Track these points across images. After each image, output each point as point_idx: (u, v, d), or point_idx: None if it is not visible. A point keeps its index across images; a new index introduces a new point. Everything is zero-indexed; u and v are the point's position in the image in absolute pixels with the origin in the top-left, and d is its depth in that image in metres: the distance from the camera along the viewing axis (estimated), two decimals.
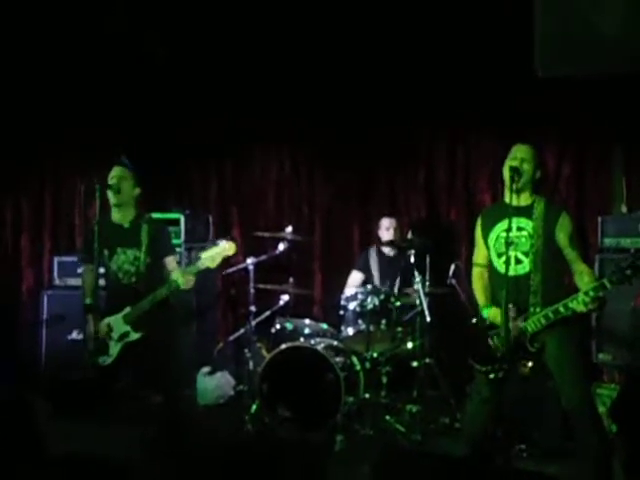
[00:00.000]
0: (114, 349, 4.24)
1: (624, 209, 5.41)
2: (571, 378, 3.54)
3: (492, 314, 3.66)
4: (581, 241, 3.76)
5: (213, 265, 4.08)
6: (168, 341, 4.31)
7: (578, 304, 3.40)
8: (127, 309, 4.21)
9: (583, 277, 3.53)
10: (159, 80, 6.02)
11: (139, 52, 5.59)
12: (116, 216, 4.32)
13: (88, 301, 4.34)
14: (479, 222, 3.86)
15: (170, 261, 4.31)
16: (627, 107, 5.27)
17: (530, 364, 3.57)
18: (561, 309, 3.46)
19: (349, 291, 5.25)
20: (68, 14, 5.26)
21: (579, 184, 5.62)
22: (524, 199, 3.69)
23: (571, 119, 5.54)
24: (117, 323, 4.24)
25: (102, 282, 4.43)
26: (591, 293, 3.36)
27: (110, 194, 4.23)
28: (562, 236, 3.61)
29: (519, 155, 3.66)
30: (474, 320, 3.81)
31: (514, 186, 3.60)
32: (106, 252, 4.26)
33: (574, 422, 3.60)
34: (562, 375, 3.56)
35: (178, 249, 5.67)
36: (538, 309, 3.54)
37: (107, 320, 4.26)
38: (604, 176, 5.55)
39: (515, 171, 3.59)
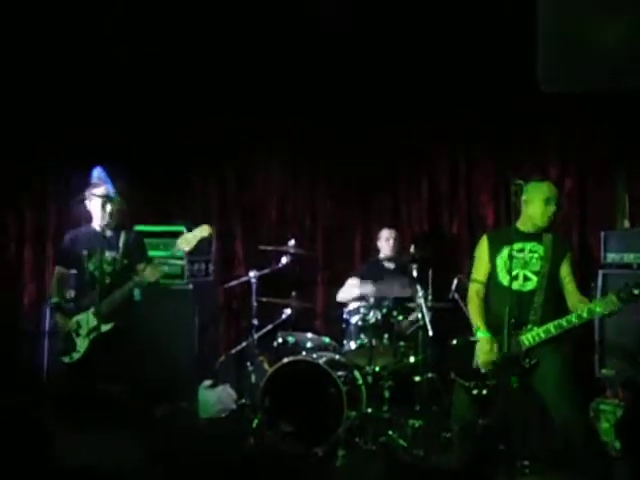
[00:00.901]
0: (82, 345, 4.38)
1: (627, 224, 5.41)
2: (565, 396, 3.61)
3: (483, 339, 3.73)
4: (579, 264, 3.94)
5: (188, 248, 4.23)
6: (133, 332, 4.45)
7: (606, 305, 3.52)
8: (99, 304, 4.33)
9: (583, 302, 3.67)
10: (161, 91, 6.05)
11: (132, 57, 5.62)
12: (97, 227, 4.54)
13: (55, 300, 4.54)
14: (485, 242, 3.96)
15: (140, 267, 4.46)
16: (630, 122, 5.29)
17: (516, 379, 3.60)
18: (564, 323, 3.57)
19: (352, 305, 5.24)
20: (70, 15, 5.30)
21: (582, 199, 5.63)
22: (532, 228, 3.86)
23: (574, 134, 5.56)
24: (86, 319, 4.39)
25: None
26: (597, 309, 3.53)
27: (96, 212, 4.48)
28: (566, 268, 3.80)
29: (553, 194, 3.83)
30: (454, 341, 3.93)
31: (549, 220, 3.81)
32: (85, 252, 4.47)
33: (571, 440, 3.63)
34: (556, 394, 3.62)
35: (181, 261, 5.75)
36: (536, 327, 3.66)
37: (75, 318, 4.42)
38: (607, 191, 5.56)
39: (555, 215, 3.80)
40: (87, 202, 4.52)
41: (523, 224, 3.85)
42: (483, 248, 3.93)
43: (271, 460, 4.57)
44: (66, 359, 4.41)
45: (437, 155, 6.10)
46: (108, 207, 4.46)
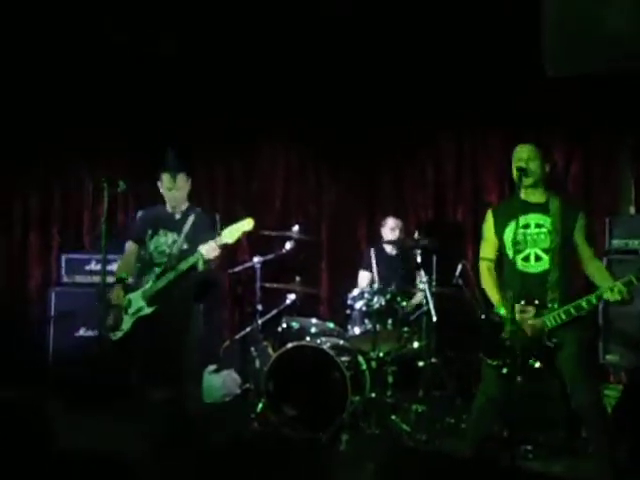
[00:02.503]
0: (127, 323, 4.40)
1: (632, 210, 5.40)
2: (583, 373, 3.57)
3: (509, 312, 3.64)
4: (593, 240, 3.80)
5: (232, 240, 4.22)
6: (179, 318, 4.39)
7: (613, 293, 3.43)
8: (147, 285, 4.38)
9: (601, 272, 3.61)
10: (165, 79, 6.04)
11: (144, 50, 5.61)
12: (170, 207, 4.54)
13: (121, 274, 4.52)
14: (490, 217, 3.85)
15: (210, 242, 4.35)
16: (636, 106, 5.25)
17: (543, 359, 3.57)
18: (584, 304, 3.51)
19: (356, 290, 5.25)
20: (73, 16, 5.30)
21: (587, 185, 5.61)
22: (538, 196, 3.72)
23: (579, 118, 5.52)
24: (136, 299, 4.41)
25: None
26: (633, 279, 3.40)
27: (169, 199, 4.49)
28: (580, 235, 3.66)
29: (524, 155, 3.67)
30: (483, 316, 3.82)
31: (523, 184, 3.63)
32: (150, 232, 4.49)
33: (584, 421, 3.62)
34: (576, 374, 3.57)
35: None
36: (556, 305, 3.58)
37: (129, 296, 4.44)
38: (612, 177, 5.54)
39: (522, 171, 3.61)
40: (159, 183, 4.51)
41: (525, 194, 3.72)
42: (489, 225, 3.84)
43: (275, 444, 4.59)
44: (112, 336, 4.41)
45: (442, 141, 6.08)
46: (173, 196, 4.47)
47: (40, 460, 2.83)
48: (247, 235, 6.41)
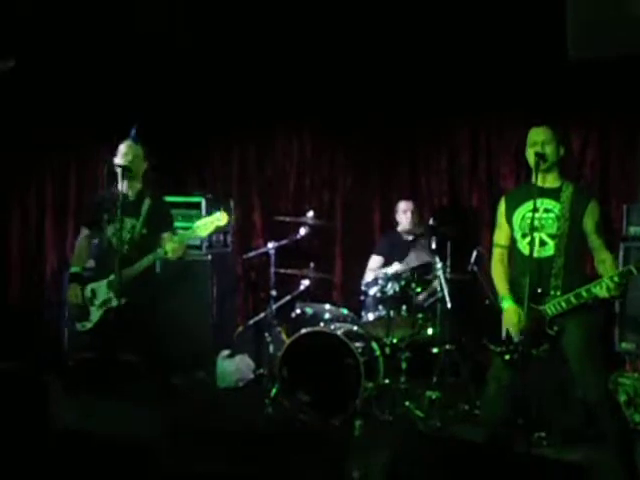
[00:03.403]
0: (95, 315, 4.31)
1: None
2: (589, 366, 3.51)
3: (509, 309, 3.62)
4: (606, 229, 3.71)
5: (204, 234, 4.18)
6: (149, 310, 4.33)
7: (601, 289, 3.38)
8: (112, 276, 4.23)
9: (605, 265, 3.51)
10: (181, 64, 6.02)
11: (161, 40, 5.60)
12: (124, 188, 4.32)
13: (74, 269, 4.43)
14: (503, 203, 3.81)
15: (166, 236, 4.31)
16: None
17: (546, 346, 3.53)
18: (583, 293, 3.44)
19: (369, 276, 5.24)
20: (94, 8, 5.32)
21: (604, 171, 5.54)
22: (552, 181, 3.65)
23: (596, 104, 5.45)
24: (101, 289, 4.31)
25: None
26: (616, 279, 3.34)
27: (119, 169, 4.29)
28: (589, 223, 3.57)
29: (539, 139, 3.61)
30: (487, 302, 3.80)
31: (540, 169, 3.56)
32: (105, 217, 4.33)
33: (593, 410, 3.58)
34: (580, 362, 3.53)
35: None
36: (558, 292, 3.52)
37: (90, 286, 4.35)
38: (630, 163, 5.46)
39: (540, 157, 3.56)
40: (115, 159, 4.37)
41: (540, 178, 3.62)
42: (501, 211, 3.79)
43: (288, 430, 4.61)
44: (79, 327, 4.36)
45: (457, 127, 6.03)
46: (135, 162, 4.32)
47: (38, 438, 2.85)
48: (261, 220, 6.48)
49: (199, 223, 4.16)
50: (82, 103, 6.36)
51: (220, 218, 4.14)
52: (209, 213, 6.02)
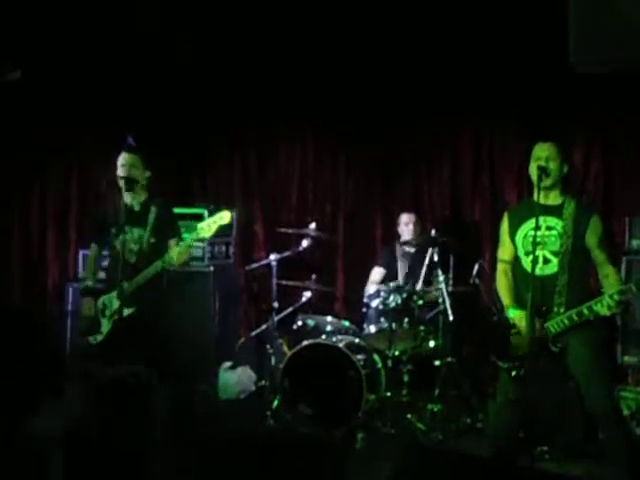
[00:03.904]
0: (105, 327, 4.33)
1: None
2: (595, 381, 3.49)
3: (517, 316, 3.61)
4: (609, 243, 3.71)
5: (208, 235, 4.13)
6: (157, 318, 4.32)
7: (602, 307, 3.38)
8: (123, 285, 4.24)
9: (609, 279, 3.51)
10: (183, 74, 6.04)
11: (162, 46, 5.62)
12: (127, 199, 4.36)
13: (87, 283, 4.48)
14: (505, 219, 3.81)
15: (172, 243, 4.31)
16: None
17: (559, 345, 3.52)
18: (585, 311, 3.43)
19: (371, 288, 5.23)
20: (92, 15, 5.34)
21: (607, 184, 5.53)
22: (554, 198, 3.66)
23: (600, 116, 5.45)
24: (111, 301, 4.32)
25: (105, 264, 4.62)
26: (616, 297, 3.34)
27: (121, 181, 4.30)
28: (593, 238, 3.57)
29: (543, 154, 3.61)
30: (495, 318, 3.79)
31: (542, 185, 3.56)
32: (113, 230, 4.34)
33: (599, 425, 3.57)
34: (586, 378, 3.51)
35: (201, 244, 5.69)
36: (562, 310, 3.51)
37: (102, 299, 4.36)
38: (633, 176, 5.46)
39: (543, 171, 3.55)
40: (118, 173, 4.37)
41: (542, 195, 3.62)
42: (504, 228, 3.79)
43: (290, 442, 4.59)
44: (91, 339, 4.37)
45: (460, 138, 6.03)
46: (134, 172, 4.32)
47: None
48: (264, 232, 6.48)
49: (202, 224, 4.14)
50: (84, 112, 6.37)
51: (222, 217, 4.11)
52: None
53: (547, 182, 3.58)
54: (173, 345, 4.43)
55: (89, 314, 4.36)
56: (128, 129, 4.67)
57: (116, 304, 4.28)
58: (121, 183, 4.31)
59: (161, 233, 4.34)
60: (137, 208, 4.38)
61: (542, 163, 3.58)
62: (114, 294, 4.30)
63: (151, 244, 4.32)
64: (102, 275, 4.65)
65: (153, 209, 4.36)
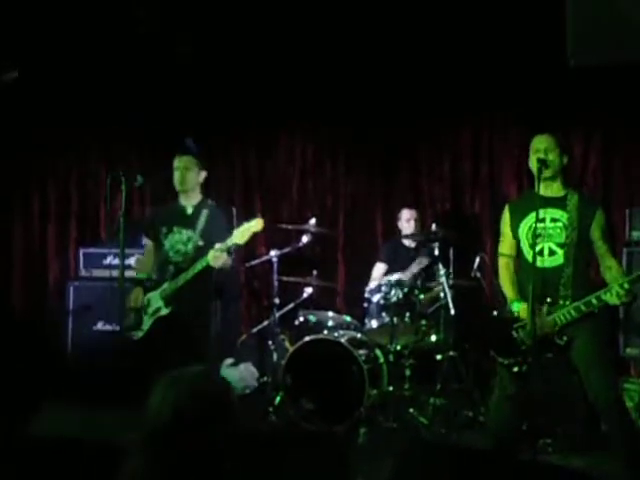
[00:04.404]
0: (146, 323, 4.40)
1: None
2: (599, 373, 3.48)
3: (522, 309, 3.59)
4: (610, 235, 3.71)
5: (242, 241, 4.19)
6: (196, 317, 4.38)
7: (612, 296, 3.37)
8: (165, 284, 4.35)
9: (612, 271, 3.51)
10: (182, 71, 6.03)
11: (161, 44, 5.61)
12: (182, 200, 4.50)
13: (139, 276, 4.56)
14: (507, 213, 3.79)
15: (217, 246, 4.31)
16: None
17: (550, 355, 3.51)
18: (593, 301, 3.42)
19: (373, 283, 5.23)
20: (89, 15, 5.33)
21: (607, 176, 5.54)
22: (556, 190, 3.64)
23: (598, 109, 5.45)
24: (155, 298, 4.40)
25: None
26: (626, 285, 3.33)
27: (175, 182, 4.43)
28: (597, 230, 3.57)
29: (542, 146, 3.60)
30: (495, 313, 3.78)
31: (542, 176, 3.55)
32: (164, 230, 4.44)
33: (602, 416, 3.56)
34: (590, 370, 3.49)
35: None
36: (568, 302, 3.50)
37: (148, 295, 4.43)
38: (632, 168, 5.46)
39: (542, 163, 3.54)
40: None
41: (543, 187, 3.60)
42: (505, 221, 3.77)
43: (292, 438, 4.59)
44: (133, 335, 4.43)
45: (459, 132, 6.03)
46: (175, 177, 4.41)
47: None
48: (264, 228, 6.46)
49: (236, 231, 4.19)
50: (84, 114, 6.38)
51: (255, 224, 4.19)
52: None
53: (547, 173, 3.56)
54: (205, 347, 4.44)
55: (135, 305, 4.42)
56: (186, 132, 4.69)
57: (158, 303, 4.36)
58: (177, 186, 4.42)
59: (209, 237, 4.37)
60: (190, 210, 4.48)
61: (541, 155, 3.56)
62: (157, 292, 4.38)
63: (198, 247, 4.38)
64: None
65: (204, 212, 4.43)
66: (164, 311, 4.34)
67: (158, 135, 6.28)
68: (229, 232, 4.34)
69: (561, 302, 3.51)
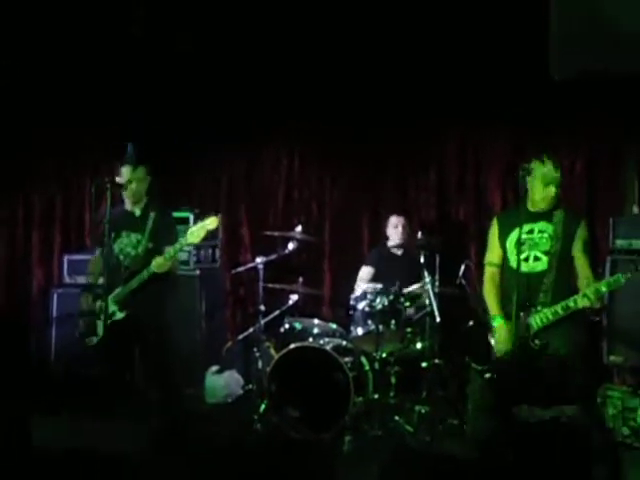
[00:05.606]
0: (100, 329, 4.36)
1: (636, 210, 5.37)
2: (573, 380, 3.57)
3: (499, 326, 3.71)
4: (591, 249, 3.87)
5: (197, 240, 4.20)
6: (151, 321, 4.38)
7: (583, 299, 3.50)
8: (117, 289, 4.33)
9: (588, 282, 3.63)
10: (170, 79, 6.03)
11: (152, 50, 5.61)
12: (129, 206, 4.49)
13: (90, 281, 4.60)
14: (495, 225, 3.94)
15: (167, 250, 4.33)
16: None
17: (538, 342, 3.58)
18: (570, 304, 3.54)
19: (358, 290, 5.23)
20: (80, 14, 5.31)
21: (590, 184, 5.58)
22: (544, 206, 3.81)
23: (583, 118, 5.50)
24: (107, 304, 4.31)
25: None
26: (603, 288, 3.51)
27: (129, 194, 4.43)
28: (579, 242, 3.74)
29: (558, 176, 3.74)
30: (472, 322, 3.89)
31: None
32: (112, 235, 4.39)
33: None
34: (561, 375, 3.58)
35: (187, 248, 5.65)
36: (545, 309, 3.61)
37: (99, 302, 4.39)
38: (616, 177, 5.51)
39: (557, 196, 3.76)
40: (118, 179, 4.40)
41: (532, 204, 3.79)
42: (493, 231, 3.92)
43: (277, 445, 4.58)
44: (87, 341, 4.43)
45: (445, 140, 6.06)
46: (131, 188, 4.39)
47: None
48: (250, 235, 6.47)
49: (190, 230, 4.19)
50: (69, 119, 6.35)
51: (209, 222, 4.16)
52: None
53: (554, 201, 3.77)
54: (163, 350, 4.43)
55: (85, 308, 4.44)
56: (126, 137, 4.67)
57: (112, 307, 4.33)
58: (124, 194, 4.43)
59: (158, 239, 4.39)
60: (138, 213, 4.48)
61: (556, 189, 3.72)
62: (110, 297, 4.33)
63: (148, 249, 4.38)
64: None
65: (152, 215, 4.43)
66: (118, 315, 4.33)
67: (142, 143, 6.24)
68: (175, 235, 4.39)
69: (539, 308, 3.62)
